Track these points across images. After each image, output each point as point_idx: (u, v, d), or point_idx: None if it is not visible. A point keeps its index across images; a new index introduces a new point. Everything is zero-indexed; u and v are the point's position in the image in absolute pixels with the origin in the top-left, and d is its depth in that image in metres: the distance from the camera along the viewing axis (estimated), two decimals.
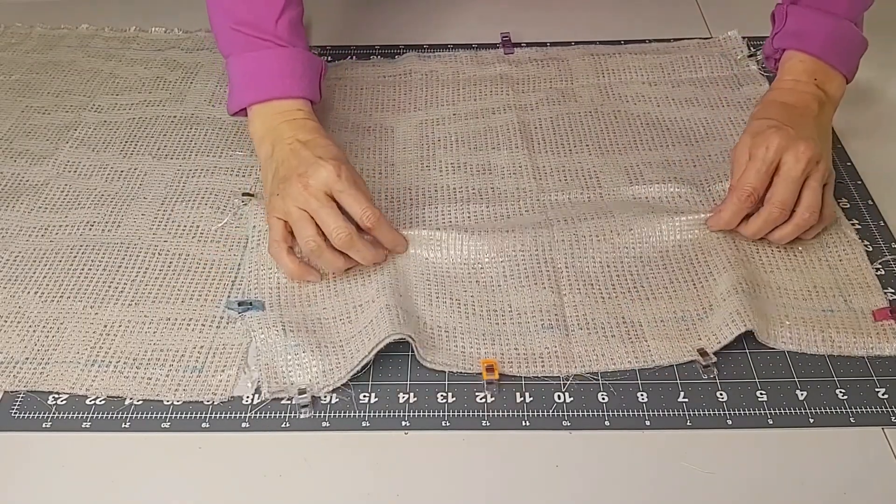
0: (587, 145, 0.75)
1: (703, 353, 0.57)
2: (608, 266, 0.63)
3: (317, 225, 0.60)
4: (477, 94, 0.82)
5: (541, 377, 0.57)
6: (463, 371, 0.57)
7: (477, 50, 0.87)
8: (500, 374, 0.56)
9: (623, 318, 0.60)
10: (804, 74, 0.68)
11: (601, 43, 0.88)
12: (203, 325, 0.61)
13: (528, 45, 0.88)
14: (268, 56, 0.69)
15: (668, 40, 0.88)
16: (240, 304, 0.61)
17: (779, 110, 0.65)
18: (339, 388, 0.56)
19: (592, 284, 0.62)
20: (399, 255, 0.64)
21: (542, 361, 0.57)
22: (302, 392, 0.55)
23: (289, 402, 0.56)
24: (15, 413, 0.56)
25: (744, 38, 0.87)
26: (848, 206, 0.69)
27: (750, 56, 0.84)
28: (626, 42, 0.88)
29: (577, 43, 0.88)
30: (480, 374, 0.57)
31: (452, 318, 0.60)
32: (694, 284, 0.62)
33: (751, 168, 0.62)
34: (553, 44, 0.88)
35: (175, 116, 0.81)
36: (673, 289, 0.62)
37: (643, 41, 0.88)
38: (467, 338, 0.59)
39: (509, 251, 0.64)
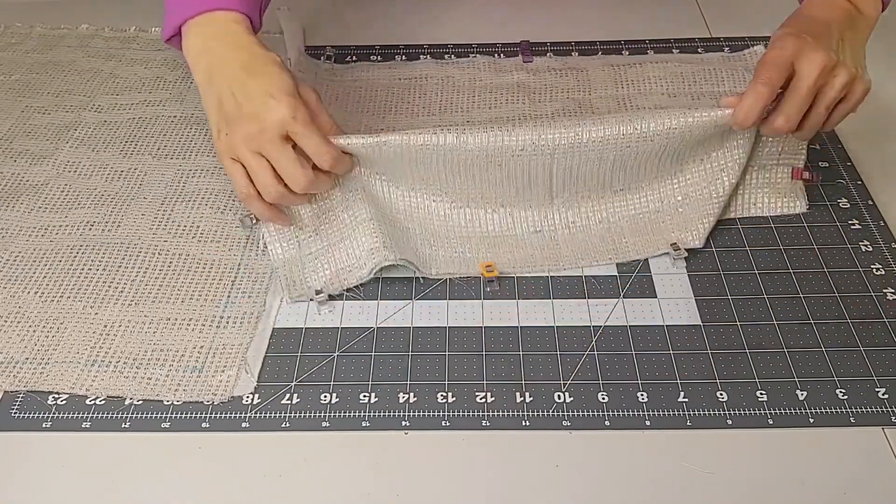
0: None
1: (675, 246, 0.64)
2: (601, 162, 0.64)
3: (275, 170, 0.58)
4: (493, 101, 0.81)
5: (541, 381, 0.57)
6: (466, 275, 0.64)
7: (495, 57, 0.86)
8: (498, 274, 0.63)
9: (605, 214, 0.66)
10: None
11: (602, 43, 0.88)
12: (203, 325, 0.61)
13: (530, 44, 0.88)
14: None
15: (668, 40, 0.88)
16: (252, 218, 0.64)
17: (801, 22, 0.63)
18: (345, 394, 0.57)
19: (585, 181, 0.65)
20: (398, 171, 0.65)
21: (533, 261, 0.64)
22: (319, 292, 0.62)
23: (308, 301, 0.62)
24: (15, 413, 0.56)
25: (744, 38, 0.87)
26: (848, 206, 0.69)
27: None
28: (626, 42, 0.88)
29: (577, 43, 0.88)
30: (480, 275, 0.64)
31: (454, 230, 0.66)
32: (675, 190, 0.67)
33: (767, 63, 0.60)
34: (553, 43, 0.88)
35: (175, 116, 0.80)
36: (657, 181, 0.66)
37: (643, 41, 0.88)
38: (466, 244, 0.66)
39: (507, 154, 0.63)
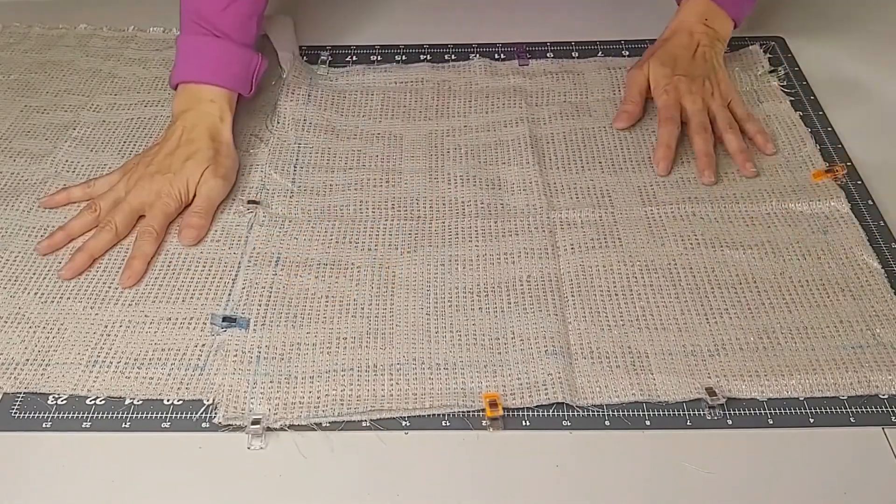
0: (600, 163, 0.73)
1: (711, 392, 0.55)
2: (616, 295, 0.62)
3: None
4: (489, 106, 0.80)
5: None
6: (465, 410, 0.55)
7: (495, 57, 0.86)
8: (503, 410, 0.55)
9: (629, 347, 0.58)
10: (697, 16, 0.80)
11: (602, 43, 0.88)
12: (204, 323, 0.61)
13: (529, 45, 0.88)
14: (196, 42, 0.74)
15: None
16: (224, 318, 0.60)
17: (671, 55, 0.78)
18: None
19: (599, 312, 0.60)
20: (399, 286, 0.63)
21: (546, 389, 0.55)
22: (255, 422, 0.54)
23: (241, 429, 0.54)
24: (15, 413, 0.56)
25: (744, 38, 0.87)
26: (848, 206, 0.69)
27: (771, 72, 0.83)
28: (626, 42, 0.88)
29: (577, 43, 0.88)
30: (483, 411, 0.55)
31: (453, 353, 0.58)
32: (706, 318, 0.60)
33: (661, 128, 0.74)
34: (553, 44, 0.88)
35: None
36: (683, 321, 0.60)
37: (643, 41, 0.88)
38: (468, 372, 0.57)
39: (514, 281, 0.63)
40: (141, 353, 0.59)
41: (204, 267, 0.65)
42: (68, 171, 0.74)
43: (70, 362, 0.58)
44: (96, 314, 0.61)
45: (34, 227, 0.68)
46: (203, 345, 0.59)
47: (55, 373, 0.57)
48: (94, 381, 0.57)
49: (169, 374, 0.57)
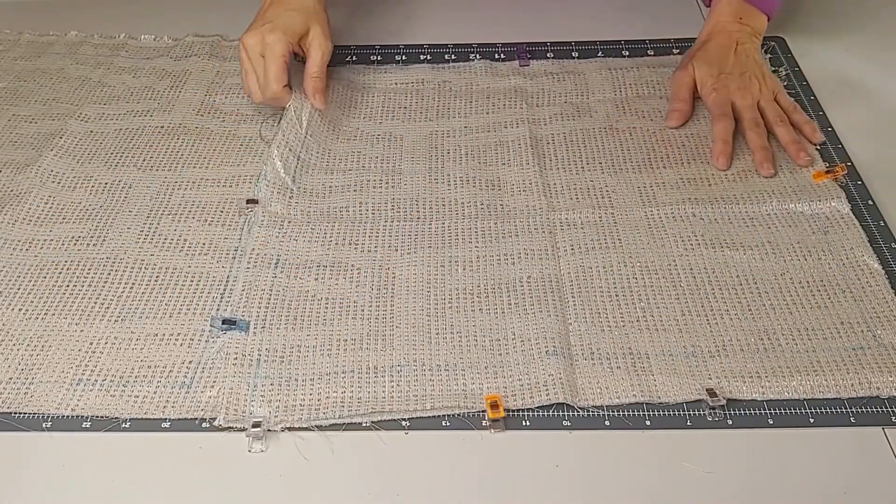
0: (600, 163, 0.74)
1: (711, 393, 0.55)
2: (616, 296, 0.62)
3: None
4: (490, 106, 0.81)
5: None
6: (466, 411, 0.55)
7: (495, 57, 0.86)
8: (504, 411, 0.54)
9: (630, 348, 0.58)
10: (731, 15, 0.81)
11: (602, 43, 0.88)
12: (192, 339, 0.60)
13: (529, 45, 0.88)
14: None
15: (668, 41, 0.88)
16: (224, 321, 0.60)
17: (714, 55, 0.79)
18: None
19: (599, 313, 0.60)
20: (399, 287, 0.63)
21: (547, 389, 0.55)
22: (256, 425, 0.54)
23: (242, 431, 0.54)
24: (15, 413, 0.56)
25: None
26: (849, 207, 0.69)
27: (773, 72, 0.82)
28: (626, 42, 0.88)
29: (577, 43, 0.88)
30: (484, 412, 0.55)
31: (453, 354, 0.58)
32: (707, 319, 0.60)
33: (716, 125, 0.75)
34: (553, 44, 0.88)
35: (162, 127, 0.79)
36: (684, 321, 0.60)
37: (643, 42, 0.88)
38: (469, 373, 0.57)
39: (514, 282, 0.63)
40: (126, 371, 0.58)
41: (191, 281, 0.64)
42: (53, 182, 0.72)
43: (54, 381, 0.57)
44: (81, 331, 0.60)
45: (19, 241, 0.67)
46: (190, 362, 0.58)
47: (39, 392, 0.56)
48: (79, 401, 0.56)
49: (155, 392, 0.56)
